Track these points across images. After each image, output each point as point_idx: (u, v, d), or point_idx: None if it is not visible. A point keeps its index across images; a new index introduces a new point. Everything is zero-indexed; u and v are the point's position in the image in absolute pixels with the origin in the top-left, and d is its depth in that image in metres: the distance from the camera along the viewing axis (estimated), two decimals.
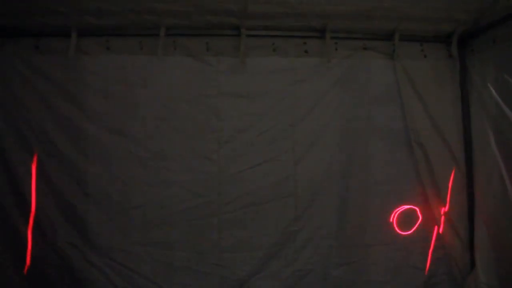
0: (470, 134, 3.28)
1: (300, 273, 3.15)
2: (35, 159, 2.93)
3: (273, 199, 3.13)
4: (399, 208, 3.23)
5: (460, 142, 3.29)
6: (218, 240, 3.10)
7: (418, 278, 3.25)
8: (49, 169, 2.96)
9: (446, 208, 3.22)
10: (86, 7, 2.72)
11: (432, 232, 3.26)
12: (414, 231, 3.24)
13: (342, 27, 3.08)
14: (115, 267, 3.00)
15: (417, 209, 3.25)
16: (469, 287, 3.16)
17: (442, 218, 3.22)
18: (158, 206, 3.06)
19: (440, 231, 3.22)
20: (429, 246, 3.26)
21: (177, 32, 3.02)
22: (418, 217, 3.25)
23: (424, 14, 2.93)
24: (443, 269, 3.27)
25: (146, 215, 3.05)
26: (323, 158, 3.18)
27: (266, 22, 2.99)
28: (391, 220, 3.22)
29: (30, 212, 2.92)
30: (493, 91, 2.93)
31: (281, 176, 3.14)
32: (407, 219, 3.24)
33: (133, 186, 3.04)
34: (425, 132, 3.19)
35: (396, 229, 3.22)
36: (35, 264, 2.94)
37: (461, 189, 3.28)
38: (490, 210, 3.03)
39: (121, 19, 2.85)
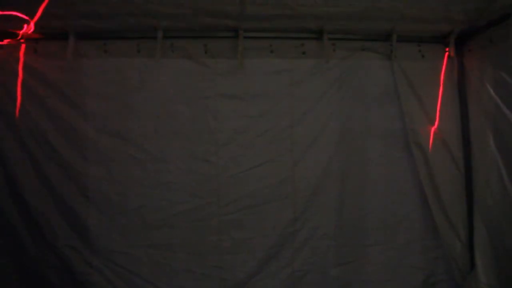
0: (468, 133, 3.27)
1: (299, 273, 3.15)
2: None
3: (271, 200, 3.14)
4: None
5: (458, 142, 3.29)
6: (218, 241, 3.10)
7: (416, 278, 3.25)
8: (48, 172, 2.97)
9: (446, 208, 3.21)
10: (84, 10, 2.73)
11: (432, 233, 3.27)
12: None
13: (340, 28, 3.07)
14: (115, 269, 3.01)
15: None
16: (469, 287, 3.15)
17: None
18: (157, 208, 3.07)
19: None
20: (429, 247, 3.28)
21: (175, 34, 3.02)
22: None
23: (422, 15, 2.92)
24: (442, 268, 3.27)
25: (146, 217, 3.06)
26: (321, 159, 3.18)
27: (263, 23, 2.98)
28: None
29: (29, 213, 2.94)
30: (491, 90, 2.92)
31: (280, 177, 3.15)
32: None
33: (132, 188, 3.06)
34: (423, 132, 3.19)
35: None
36: (35, 266, 2.95)
37: (460, 189, 3.28)
38: (490, 210, 3.02)
39: (118, 22, 2.86)
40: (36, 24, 2.79)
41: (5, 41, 2.93)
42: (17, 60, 2.95)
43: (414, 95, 3.19)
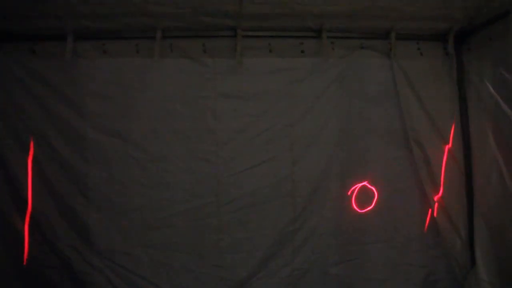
0: (468, 131, 3.27)
1: (299, 272, 3.16)
2: (30, 154, 2.95)
3: (271, 199, 3.14)
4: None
5: (458, 140, 3.29)
6: (218, 241, 3.11)
7: (417, 276, 3.26)
8: (48, 172, 2.98)
9: (446, 207, 3.22)
10: (82, 10, 2.74)
11: (431, 231, 3.27)
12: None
13: (339, 26, 3.08)
14: (115, 268, 3.01)
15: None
16: (470, 284, 3.16)
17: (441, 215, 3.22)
18: (157, 208, 3.08)
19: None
20: (429, 245, 3.27)
21: (174, 34, 3.02)
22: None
23: (420, 12, 2.93)
24: (443, 266, 3.27)
25: (146, 216, 3.07)
26: (321, 157, 3.18)
27: (262, 22, 2.99)
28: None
29: (29, 213, 2.95)
30: (491, 87, 2.92)
31: (280, 176, 3.15)
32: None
33: (132, 188, 3.06)
34: (423, 130, 3.19)
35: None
36: (35, 266, 2.96)
37: (460, 187, 3.28)
38: (490, 207, 3.03)
39: (117, 22, 2.87)
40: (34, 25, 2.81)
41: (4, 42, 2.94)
42: (15, 60, 2.96)
43: (413, 93, 3.19)
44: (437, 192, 3.21)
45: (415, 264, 3.25)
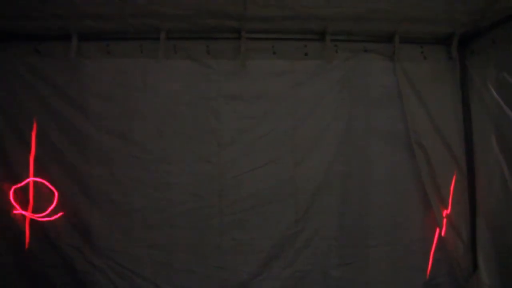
0: (471, 135, 3.27)
1: (300, 273, 3.15)
2: (33, 154, 2.95)
3: (273, 201, 3.14)
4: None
5: (461, 143, 3.28)
6: (219, 242, 3.11)
7: (418, 279, 3.24)
8: (51, 172, 2.99)
9: (448, 210, 3.21)
10: (86, 11, 2.75)
11: (433, 233, 3.25)
12: None
13: (342, 29, 3.08)
14: (116, 268, 3.03)
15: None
16: None
17: (444, 220, 3.20)
18: (159, 209, 3.08)
19: (442, 233, 3.21)
20: (431, 248, 3.25)
21: (178, 35, 3.03)
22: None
23: (424, 16, 2.93)
24: (444, 270, 3.25)
25: (147, 217, 3.08)
26: (323, 160, 3.18)
27: (266, 25, 2.99)
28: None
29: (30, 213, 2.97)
30: (494, 91, 2.92)
31: (281, 178, 3.15)
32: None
33: (135, 189, 3.07)
34: (426, 133, 3.18)
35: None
36: (36, 265, 2.97)
37: (463, 190, 3.27)
38: (492, 211, 3.02)
39: (121, 23, 2.88)
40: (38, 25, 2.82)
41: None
42: (19, 60, 2.97)
43: (416, 96, 3.19)
44: (440, 194, 3.20)
45: (417, 267, 3.24)
